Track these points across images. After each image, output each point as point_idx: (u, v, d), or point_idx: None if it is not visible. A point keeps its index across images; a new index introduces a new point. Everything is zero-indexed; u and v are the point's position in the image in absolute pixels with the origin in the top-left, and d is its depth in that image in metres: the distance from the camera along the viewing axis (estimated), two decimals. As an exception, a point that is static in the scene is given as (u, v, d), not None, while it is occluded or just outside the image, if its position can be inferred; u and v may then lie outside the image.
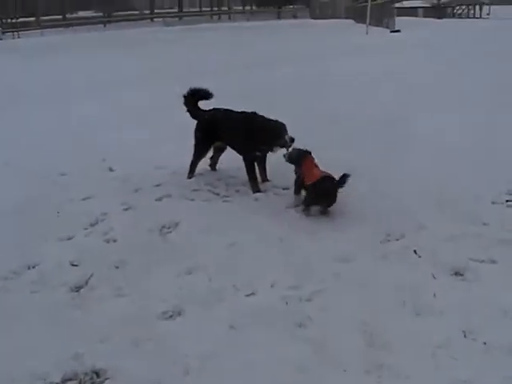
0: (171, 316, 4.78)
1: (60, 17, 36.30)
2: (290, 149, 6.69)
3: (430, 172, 7.80)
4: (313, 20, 37.25)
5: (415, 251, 5.51)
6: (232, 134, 7.32)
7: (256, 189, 7.27)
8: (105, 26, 37.65)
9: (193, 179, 8.05)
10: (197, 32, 31.25)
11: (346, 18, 59.49)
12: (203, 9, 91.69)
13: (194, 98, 7.73)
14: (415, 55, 19.62)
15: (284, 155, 6.73)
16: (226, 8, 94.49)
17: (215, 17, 42.45)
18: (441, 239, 5.81)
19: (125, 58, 21.94)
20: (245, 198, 7.25)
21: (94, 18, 37.63)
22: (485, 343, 4.18)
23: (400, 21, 31.52)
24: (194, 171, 8.09)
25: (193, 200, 7.31)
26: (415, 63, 18.13)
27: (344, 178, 5.97)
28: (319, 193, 6.15)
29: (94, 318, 4.80)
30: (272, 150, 7.09)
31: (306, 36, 28.66)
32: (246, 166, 7.29)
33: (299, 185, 6.58)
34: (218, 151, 8.18)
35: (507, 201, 6.75)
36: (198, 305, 4.86)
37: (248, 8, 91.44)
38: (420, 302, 4.70)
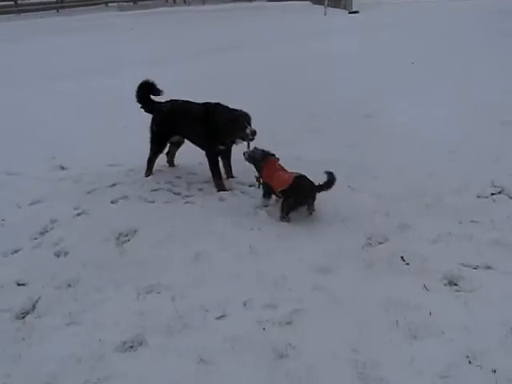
0: (131, 347, 4.15)
1: (12, 3, 34.51)
2: (252, 147, 6.32)
3: (407, 164, 7.28)
4: (269, 3, 36.22)
5: (402, 258, 4.96)
6: (192, 127, 6.84)
7: (221, 187, 6.82)
8: (57, 11, 36.00)
9: (151, 177, 7.39)
10: (152, 17, 29.86)
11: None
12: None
13: (145, 91, 7.15)
14: (376, 36, 19.02)
15: (244, 154, 6.35)
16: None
17: (170, 0, 41.09)
18: (428, 241, 5.31)
19: (79, 44, 20.74)
20: (209, 198, 6.62)
21: (46, 3, 35.81)
22: (494, 371, 3.64)
23: (358, 2, 30.86)
24: (151, 168, 7.44)
25: (152, 202, 6.64)
26: (377, 44, 17.53)
27: (329, 181, 5.66)
28: (300, 194, 5.77)
29: (41, 354, 4.12)
30: (234, 143, 6.67)
31: (265, 19, 27.67)
32: (209, 161, 6.85)
33: (267, 189, 6.16)
34: (175, 146, 7.60)
35: (492, 194, 6.22)
36: (161, 333, 4.24)
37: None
38: (415, 321, 4.16)
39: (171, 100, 7.13)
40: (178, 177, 7.39)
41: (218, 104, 6.63)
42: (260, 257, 5.15)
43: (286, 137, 8.39)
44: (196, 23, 27.71)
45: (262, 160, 6.14)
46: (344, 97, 10.96)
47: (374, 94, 11.12)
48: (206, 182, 7.06)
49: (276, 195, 6.07)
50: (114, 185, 7.17)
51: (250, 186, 6.83)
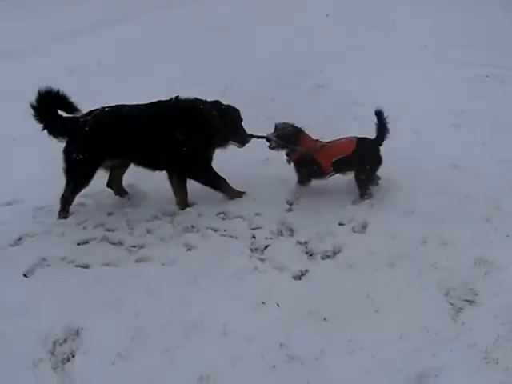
0: None
1: None
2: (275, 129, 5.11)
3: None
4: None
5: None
6: (153, 144, 4.95)
7: (236, 193, 5.33)
8: None
9: (71, 219, 5.06)
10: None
11: None
12: None
13: (48, 106, 4.82)
14: None
15: (268, 139, 5.12)
16: None
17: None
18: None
19: None
20: (168, 246, 4.66)
21: None
22: None
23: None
24: (68, 209, 5.13)
25: (86, 267, 4.40)
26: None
27: (381, 133, 4.91)
28: (374, 157, 5.01)
29: None
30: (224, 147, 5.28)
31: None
32: (206, 178, 5.28)
33: (307, 168, 5.14)
34: (121, 168, 5.38)
35: None
36: None
37: None
38: None
39: (93, 111, 4.99)
40: (110, 213, 5.21)
41: (187, 100, 5.07)
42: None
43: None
44: None
45: (297, 133, 5.03)
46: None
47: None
48: (155, 215, 5.10)
49: (324, 171, 5.07)
50: (19, 239, 4.77)
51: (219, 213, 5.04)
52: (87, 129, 4.83)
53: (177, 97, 5.03)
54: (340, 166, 5.03)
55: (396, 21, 12.26)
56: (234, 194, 5.26)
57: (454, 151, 5.78)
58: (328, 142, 5.08)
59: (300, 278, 4.11)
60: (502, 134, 6.25)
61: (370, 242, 4.43)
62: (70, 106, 4.85)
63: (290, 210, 5.06)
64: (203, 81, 8.19)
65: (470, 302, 3.69)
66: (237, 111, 5.24)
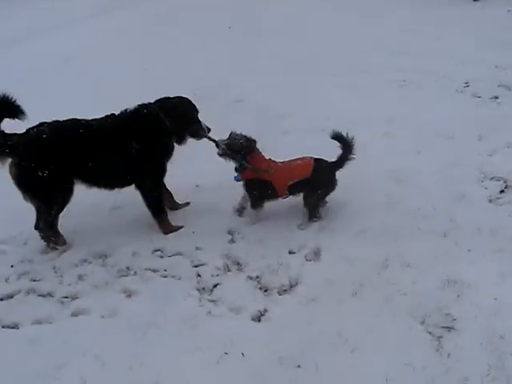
0: None
1: None
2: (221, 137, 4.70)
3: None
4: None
5: None
6: (114, 154, 4.52)
7: (171, 227, 4.88)
8: None
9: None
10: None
11: None
12: None
13: None
14: None
15: (218, 145, 4.65)
16: None
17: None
18: None
19: None
20: (107, 293, 4.11)
21: None
22: None
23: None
24: (60, 234, 4.70)
25: (14, 327, 3.81)
26: None
27: (343, 157, 4.60)
28: (329, 180, 4.67)
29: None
30: (183, 143, 4.86)
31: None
32: (151, 192, 4.81)
33: (260, 190, 4.71)
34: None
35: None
36: None
37: None
38: None
39: (43, 124, 4.42)
40: (32, 260, 4.61)
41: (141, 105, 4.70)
42: None
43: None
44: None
45: (248, 148, 4.60)
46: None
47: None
48: (85, 258, 4.55)
49: (279, 194, 4.71)
50: None
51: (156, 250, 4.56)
52: (45, 136, 4.27)
53: (126, 109, 4.66)
54: (296, 189, 4.69)
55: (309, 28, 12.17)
56: (170, 229, 4.84)
57: (392, 163, 5.57)
58: (282, 163, 4.71)
59: (260, 320, 3.70)
60: (431, 141, 6.14)
61: (327, 270, 4.10)
62: (17, 110, 4.27)
63: (232, 240, 4.64)
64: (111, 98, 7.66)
65: (449, 328, 3.42)
66: (187, 102, 4.80)
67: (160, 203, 4.86)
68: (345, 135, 4.56)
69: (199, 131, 4.79)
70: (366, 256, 4.17)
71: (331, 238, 4.46)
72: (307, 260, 4.26)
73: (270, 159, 4.71)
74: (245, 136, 4.65)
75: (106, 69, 10.09)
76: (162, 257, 4.49)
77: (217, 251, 4.45)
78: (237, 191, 4.91)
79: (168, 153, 4.77)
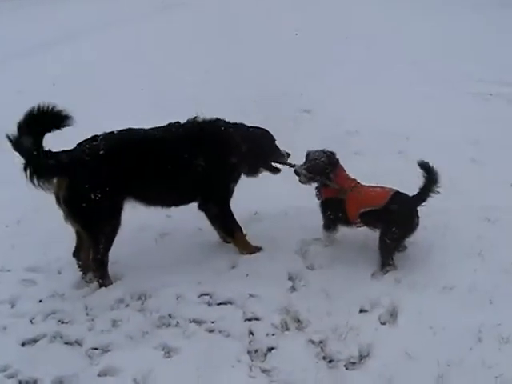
0: None
1: None
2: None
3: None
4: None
5: None
6: (177, 170, 4.10)
7: (252, 247, 4.42)
8: None
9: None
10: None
11: None
12: None
13: (38, 129, 3.68)
14: None
15: (296, 169, 4.22)
16: None
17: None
18: None
19: None
20: (145, 351, 3.49)
21: None
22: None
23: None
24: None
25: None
26: None
27: (426, 190, 3.91)
28: (407, 218, 3.99)
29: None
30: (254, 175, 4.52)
31: None
32: (222, 213, 4.39)
33: (334, 212, 4.20)
34: None
35: None
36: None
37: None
38: None
39: (95, 137, 3.96)
40: (63, 295, 4.08)
41: (213, 121, 4.30)
42: None
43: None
44: None
45: (331, 166, 4.12)
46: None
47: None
48: (121, 298, 3.98)
49: (350, 219, 4.15)
50: None
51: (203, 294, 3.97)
52: (102, 153, 3.80)
53: (195, 117, 4.27)
54: (369, 219, 4.10)
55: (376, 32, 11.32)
56: (248, 248, 4.38)
57: (482, 198, 4.78)
58: (363, 187, 4.16)
59: (322, 404, 3.03)
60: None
61: (405, 339, 3.38)
62: (64, 118, 3.72)
63: (293, 288, 3.99)
64: (166, 105, 7.15)
65: None
66: (266, 134, 4.47)
67: (232, 221, 4.37)
68: (432, 165, 3.93)
69: (278, 158, 4.45)
70: (453, 323, 3.43)
71: (410, 294, 3.74)
72: (381, 323, 3.55)
73: (354, 180, 4.18)
74: (324, 152, 4.16)
75: (163, 70, 9.59)
76: (209, 304, 3.88)
77: (274, 302, 3.80)
78: (303, 222, 4.46)
79: (236, 178, 4.39)
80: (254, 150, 4.29)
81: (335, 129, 6.60)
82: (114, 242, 4.07)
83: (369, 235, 4.27)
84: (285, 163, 4.42)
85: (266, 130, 4.50)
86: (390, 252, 4.02)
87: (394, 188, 4.06)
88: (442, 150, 5.63)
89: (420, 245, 4.19)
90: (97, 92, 8.37)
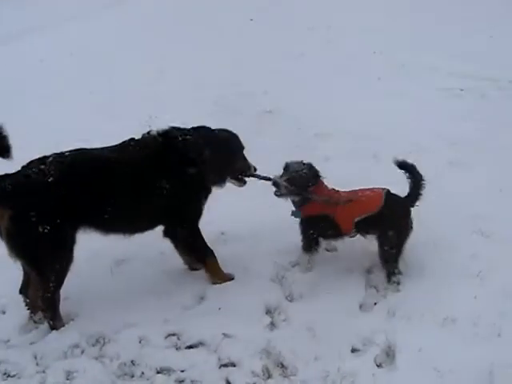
0: None
1: None
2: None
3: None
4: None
5: None
6: (134, 190, 3.62)
7: (225, 275, 3.93)
8: None
9: None
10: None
11: None
12: None
13: None
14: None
15: (276, 184, 3.73)
16: None
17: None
18: None
19: None
20: None
21: None
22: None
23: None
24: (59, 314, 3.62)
25: None
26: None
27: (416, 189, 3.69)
28: (405, 220, 3.73)
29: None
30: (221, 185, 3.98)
31: None
32: (192, 235, 3.89)
33: (315, 228, 3.80)
34: None
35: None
36: None
37: None
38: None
39: (45, 157, 3.47)
40: (8, 342, 3.54)
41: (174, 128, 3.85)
42: None
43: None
44: None
45: (314, 179, 3.76)
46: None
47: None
48: (77, 343, 3.43)
49: (343, 232, 3.80)
50: None
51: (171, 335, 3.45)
52: (51, 180, 3.31)
53: (149, 132, 3.83)
54: (365, 227, 3.79)
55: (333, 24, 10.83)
56: (221, 276, 3.89)
57: (470, 206, 4.40)
58: (347, 194, 3.83)
59: None
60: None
61: (405, 385, 2.93)
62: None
63: (272, 325, 3.50)
64: (115, 114, 6.58)
65: None
66: (234, 138, 4.00)
67: (203, 245, 3.90)
68: (410, 163, 3.76)
69: (245, 170, 3.98)
70: (460, 363, 3.01)
71: (406, 328, 3.30)
72: (378, 365, 3.10)
73: (333, 189, 3.85)
74: (307, 164, 3.79)
75: (111, 71, 8.89)
76: (177, 348, 3.38)
77: (252, 343, 3.32)
78: (276, 243, 4.07)
79: (206, 192, 3.91)
80: (221, 154, 3.82)
81: (301, 132, 6.12)
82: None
83: (352, 255, 3.86)
84: (258, 176, 3.96)
85: (233, 134, 4.04)
86: (393, 259, 3.71)
87: (383, 187, 3.77)
88: (419, 152, 5.20)
89: (410, 266, 3.77)
90: (41, 98, 7.65)
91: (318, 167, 3.80)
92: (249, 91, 7.45)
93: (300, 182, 3.69)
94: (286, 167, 3.78)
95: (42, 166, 3.38)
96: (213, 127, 3.97)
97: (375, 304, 3.54)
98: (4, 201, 3.28)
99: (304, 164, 3.78)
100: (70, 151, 3.54)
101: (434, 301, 3.46)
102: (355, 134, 5.84)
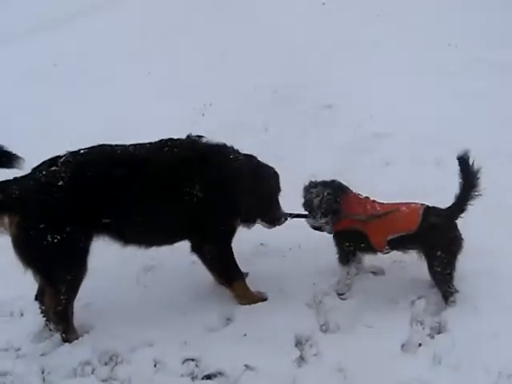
0: None
1: None
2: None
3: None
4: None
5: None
6: (163, 198, 3.34)
7: (255, 297, 3.58)
8: None
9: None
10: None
11: None
12: None
13: None
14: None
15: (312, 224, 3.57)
16: None
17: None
18: None
19: None
20: None
21: None
22: None
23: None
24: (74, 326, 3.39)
25: None
26: None
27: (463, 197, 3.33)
28: (451, 236, 3.39)
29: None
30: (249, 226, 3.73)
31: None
32: (218, 262, 3.56)
33: (352, 242, 3.52)
34: None
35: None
36: None
37: None
38: None
39: (55, 160, 3.22)
40: (18, 351, 3.34)
41: (219, 146, 3.57)
42: None
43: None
44: None
45: (338, 199, 3.47)
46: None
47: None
48: (88, 360, 3.19)
49: (376, 249, 3.52)
50: None
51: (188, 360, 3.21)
52: (61, 183, 3.07)
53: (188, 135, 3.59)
54: (401, 244, 3.50)
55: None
56: (249, 298, 3.56)
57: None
58: (382, 207, 3.51)
59: None
60: None
61: None
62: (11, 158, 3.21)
63: (301, 359, 3.14)
64: (171, 97, 6.27)
65: None
66: (276, 177, 3.71)
67: (232, 267, 3.58)
68: (471, 161, 3.35)
69: (277, 218, 3.73)
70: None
71: (453, 380, 2.85)
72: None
73: (367, 199, 3.56)
74: (327, 185, 3.51)
75: (173, 52, 8.57)
76: (194, 377, 3.07)
77: (275, 378, 3.00)
78: (319, 259, 3.74)
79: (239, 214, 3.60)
80: (262, 190, 3.56)
81: (361, 130, 5.64)
82: (91, 275, 3.30)
83: (400, 282, 3.47)
84: (295, 215, 3.70)
85: (276, 173, 3.75)
86: (447, 280, 3.40)
87: (422, 203, 3.46)
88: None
89: (463, 298, 3.30)
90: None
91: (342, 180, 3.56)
92: (311, 82, 6.95)
93: (328, 209, 3.45)
94: (307, 193, 3.54)
95: (53, 168, 3.16)
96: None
97: (420, 345, 3.10)
98: (11, 206, 3.06)
99: (324, 185, 3.51)
100: (87, 149, 3.27)
101: (490, 348, 3.00)
102: (416, 136, 5.32)
